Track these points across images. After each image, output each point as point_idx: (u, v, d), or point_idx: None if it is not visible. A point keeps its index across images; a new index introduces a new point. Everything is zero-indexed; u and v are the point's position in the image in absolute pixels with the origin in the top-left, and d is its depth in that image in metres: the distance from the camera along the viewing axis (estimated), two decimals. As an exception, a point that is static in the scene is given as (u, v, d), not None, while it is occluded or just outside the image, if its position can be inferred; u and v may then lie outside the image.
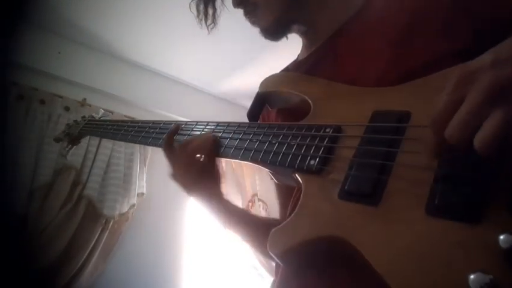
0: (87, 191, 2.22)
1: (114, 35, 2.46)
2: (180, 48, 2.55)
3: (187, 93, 2.99)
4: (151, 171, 2.55)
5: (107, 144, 2.38)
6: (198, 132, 0.71)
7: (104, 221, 2.25)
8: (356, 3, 0.67)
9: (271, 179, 0.76)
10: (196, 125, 0.73)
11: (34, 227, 2.00)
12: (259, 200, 2.97)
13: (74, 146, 1.13)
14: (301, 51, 0.78)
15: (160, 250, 2.52)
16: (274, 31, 0.69)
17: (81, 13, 2.24)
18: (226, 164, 2.98)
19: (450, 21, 0.51)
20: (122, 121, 0.95)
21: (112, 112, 1.11)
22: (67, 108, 2.31)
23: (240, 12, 0.74)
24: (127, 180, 2.41)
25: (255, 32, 0.72)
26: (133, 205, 2.42)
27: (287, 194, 0.72)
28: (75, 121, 1.15)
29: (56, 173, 2.16)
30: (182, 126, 0.77)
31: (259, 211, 2.87)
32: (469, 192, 0.35)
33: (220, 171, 0.80)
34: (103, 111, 1.12)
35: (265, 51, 2.42)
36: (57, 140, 1.18)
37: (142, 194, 2.49)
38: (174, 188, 0.78)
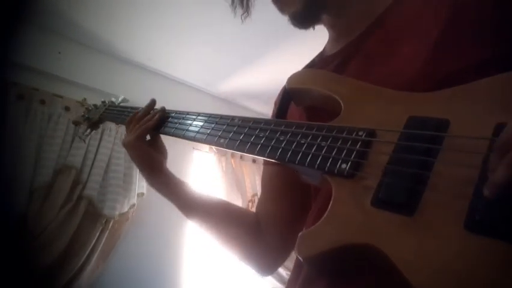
0: (87, 191, 2.22)
1: (114, 35, 2.46)
2: (180, 48, 2.55)
3: (187, 93, 2.99)
4: (151, 171, 2.54)
5: (107, 144, 2.39)
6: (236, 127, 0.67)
7: (104, 221, 2.25)
8: None
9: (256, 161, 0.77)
10: (220, 118, 0.69)
11: (34, 227, 2.00)
12: (259, 200, 2.96)
13: (94, 131, 1.12)
14: (328, 44, 0.74)
15: (160, 250, 2.52)
16: (302, 17, 0.66)
17: (81, 13, 2.24)
18: (226, 164, 2.98)
19: (492, 26, 0.48)
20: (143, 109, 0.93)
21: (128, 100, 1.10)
22: (67, 108, 2.31)
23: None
24: (127, 180, 2.41)
25: (255, 32, 0.71)
26: (133, 205, 2.42)
27: (281, 187, 0.74)
28: (94, 105, 1.13)
29: (56, 173, 2.16)
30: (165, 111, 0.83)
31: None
32: None
33: (162, 148, 0.85)
34: (122, 96, 1.10)
35: (266, 52, 2.42)
36: (76, 123, 1.16)
37: (142, 194, 2.49)
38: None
